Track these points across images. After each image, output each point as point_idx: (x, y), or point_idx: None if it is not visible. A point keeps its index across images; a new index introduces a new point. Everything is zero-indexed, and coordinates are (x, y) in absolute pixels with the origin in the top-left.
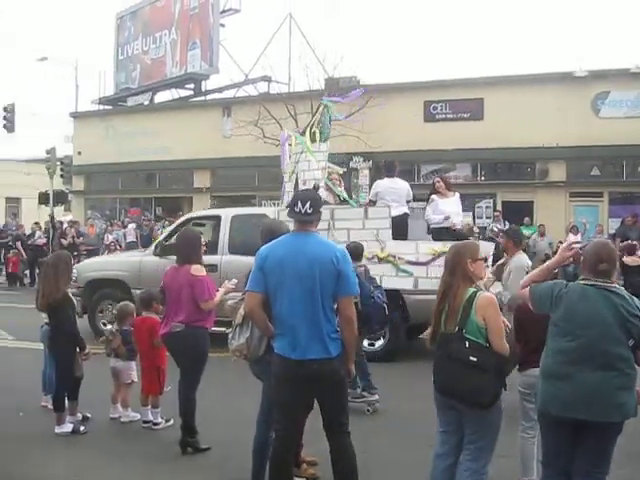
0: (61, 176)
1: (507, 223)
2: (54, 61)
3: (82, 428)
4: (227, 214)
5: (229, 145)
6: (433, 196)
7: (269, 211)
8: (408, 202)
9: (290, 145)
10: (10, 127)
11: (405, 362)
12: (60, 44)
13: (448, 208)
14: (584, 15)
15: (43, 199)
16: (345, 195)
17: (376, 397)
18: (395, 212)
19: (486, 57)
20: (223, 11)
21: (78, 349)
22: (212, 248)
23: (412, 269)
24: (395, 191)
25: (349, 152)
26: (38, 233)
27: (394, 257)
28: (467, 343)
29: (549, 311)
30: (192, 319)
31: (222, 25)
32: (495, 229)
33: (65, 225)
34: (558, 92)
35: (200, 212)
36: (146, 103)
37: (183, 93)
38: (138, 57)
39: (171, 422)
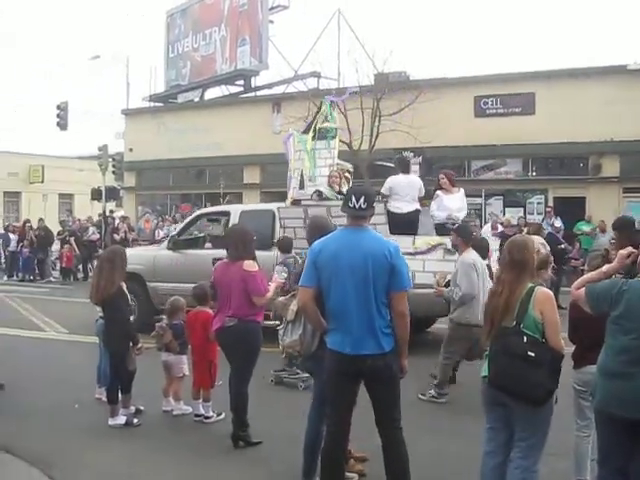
0: (113, 172)
1: (559, 219)
2: (106, 59)
3: (135, 420)
4: (236, 210)
5: (279, 141)
6: (438, 192)
7: (274, 207)
8: (420, 199)
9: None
10: (63, 125)
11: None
12: (112, 43)
13: (452, 204)
14: (638, 7)
15: (95, 195)
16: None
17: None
18: (408, 208)
19: (538, 51)
20: (272, 8)
21: (131, 343)
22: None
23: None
24: (408, 187)
25: (399, 147)
26: (92, 229)
27: None
28: (525, 338)
29: (608, 309)
30: (245, 314)
31: (271, 21)
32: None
33: (117, 221)
34: (611, 85)
35: (211, 208)
36: (196, 100)
37: (233, 89)
38: (188, 54)
39: (222, 416)
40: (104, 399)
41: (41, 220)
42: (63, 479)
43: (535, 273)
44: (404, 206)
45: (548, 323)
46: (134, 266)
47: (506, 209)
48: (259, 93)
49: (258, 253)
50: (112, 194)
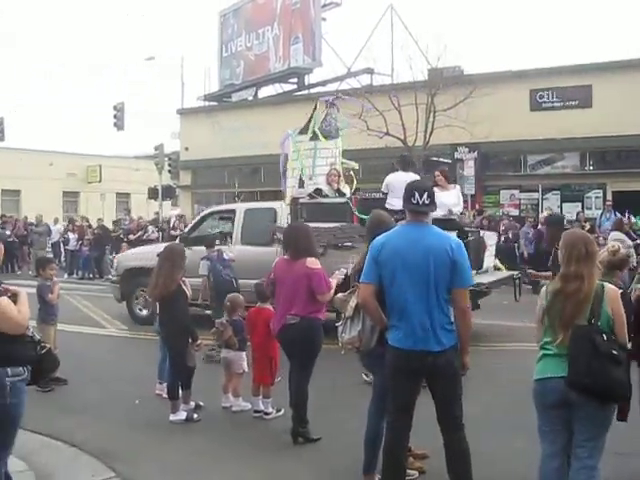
0: (169, 171)
1: (617, 214)
2: (161, 60)
3: (195, 416)
4: (241, 208)
5: None
6: (434, 189)
7: (277, 205)
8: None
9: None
10: (120, 125)
11: None
12: (167, 43)
13: (448, 200)
14: None
15: (152, 194)
16: (346, 192)
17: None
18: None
19: (594, 42)
20: (324, 5)
21: (190, 339)
22: (227, 238)
23: None
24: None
25: (454, 143)
26: (150, 228)
27: None
28: (604, 336)
29: None
30: (307, 311)
31: (324, 19)
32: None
33: (173, 219)
34: None
35: (220, 207)
36: (250, 98)
37: (286, 87)
38: (242, 53)
39: (282, 412)
40: (164, 395)
41: (99, 219)
42: (126, 472)
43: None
44: (398, 203)
45: (618, 320)
46: (151, 262)
47: (563, 204)
48: (312, 91)
49: (260, 249)
50: (168, 193)
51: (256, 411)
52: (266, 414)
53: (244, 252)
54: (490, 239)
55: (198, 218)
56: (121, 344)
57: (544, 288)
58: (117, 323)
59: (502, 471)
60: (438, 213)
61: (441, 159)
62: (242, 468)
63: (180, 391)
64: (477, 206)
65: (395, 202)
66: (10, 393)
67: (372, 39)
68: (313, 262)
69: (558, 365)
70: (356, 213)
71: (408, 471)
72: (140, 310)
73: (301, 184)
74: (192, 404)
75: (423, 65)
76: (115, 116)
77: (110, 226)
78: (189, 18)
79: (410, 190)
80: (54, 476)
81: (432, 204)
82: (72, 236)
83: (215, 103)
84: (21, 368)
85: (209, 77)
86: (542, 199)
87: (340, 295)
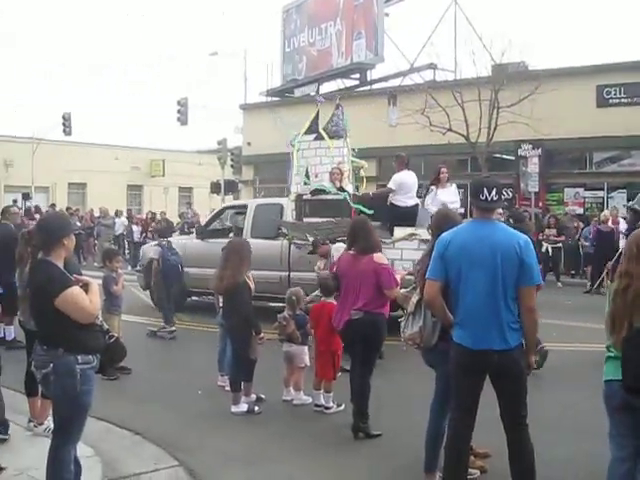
0: (231, 166)
1: None
2: (224, 55)
3: (257, 409)
4: (252, 204)
5: (395, 134)
6: (432, 187)
7: (283, 201)
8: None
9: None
10: (183, 120)
11: None
12: (230, 39)
13: (446, 197)
14: None
15: (215, 188)
16: (349, 189)
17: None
18: (412, 202)
19: None
20: (387, 0)
21: (254, 332)
22: (240, 232)
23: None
24: (412, 183)
25: (518, 140)
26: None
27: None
28: None
29: None
30: (372, 306)
31: (386, 14)
32: None
33: None
34: None
35: (234, 202)
36: (312, 94)
37: (349, 83)
38: (304, 49)
39: (342, 407)
40: (226, 387)
41: (162, 212)
42: (188, 462)
43: None
44: (408, 200)
45: None
46: None
47: (630, 203)
48: (375, 86)
49: (267, 242)
50: (230, 187)
51: (317, 405)
52: (327, 408)
53: (253, 245)
54: None
55: (215, 212)
56: (183, 335)
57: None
58: (179, 314)
59: (568, 473)
60: (433, 210)
61: (504, 156)
62: (302, 462)
63: (242, 383)
64: (540, 204)
65: (405, 199)
66: (80, 380)
67: (435, 34)
68: (380, 257)
69: (617, 368)
70: (355, 206)
71: (470, 470)
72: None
73: (306, 182)
74: (253, 396)
75: (487, 61)
76: (179, 111)
77: (176, 219)
78: (252, 14)
79: (479, 186)
80: (119, 462)
81: (500, 200)
82: (135, 229)
83: (277, 98)
84: (91, 356)
85: (272, 72)
86: (607, 197)
87: (403, 291)
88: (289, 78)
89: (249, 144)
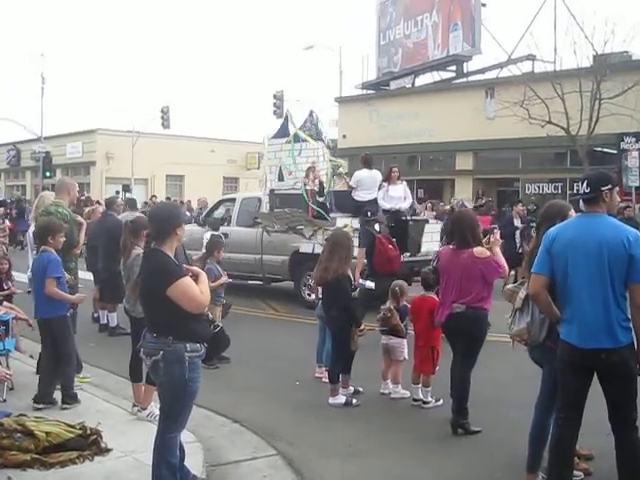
0: None
1: None
2: (320, 49)
3: (354, 401)
4: (239, 197)
5: (492, 127)
6: (384, 183)
7: (261, 195)
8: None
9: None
10: (280, 113)
11: None
12: (326, 32)
13: (394, 194)
14: None
15: None
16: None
17: None
18: (368, 197)
19: None
20: None
21: (354, 325)
22: (229, 221)
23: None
24: (370, 180)
25: (620, 132)
26: None
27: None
28: None
29: None
30: (473, 300)
31: (483, 5)
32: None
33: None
34: None
35: (227, 196)
36: (408, 86)
37: (444, 75)
38: (400, 41)
39: (440, 402)
40: (324, 379)
41: None
42: (287, 452)
43: None
44: (366, 195)
45: None
46: None
47: None
48: (471, 78)
49: (247, 229)
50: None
51: (415, 399)
52: (425, 403)
53: (237, 232)
54: (432, 227)
55: (214, 204)
56: (281, 326)
57: None
58: (275, 306)
59: None
60: (385, 205)
61: (605, 149)
62: (399, 457)
63: (340, 375)
64: None
65: (363, 195)
66: (188, 368)
67: (534, 24)
68: (480, 252)
69: None
70: (309, 204)
71: (574, 472)
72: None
73: (281, 178)
74: (351, 389)
75: (588, 51)
76: (275, 104)
77: None
78: (347, 7)
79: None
80: (219, 449)
81: (593, 191)
82: None
83: (373, 91)
84: (199, 345)
85: (367, 65)
86: None
87: (510, 286)
88: (384, 71)
89: (344, 137)
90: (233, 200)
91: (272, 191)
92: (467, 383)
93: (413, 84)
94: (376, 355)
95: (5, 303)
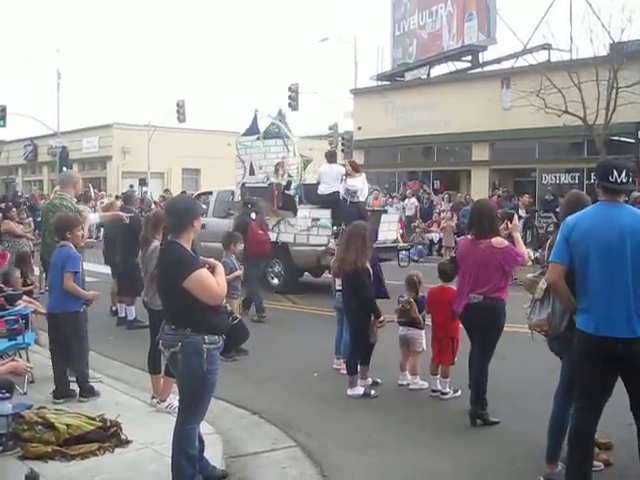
0: (342, 151)
1: None
2: (334, 41)
3: (372, 392)
4: (215, 190)
5: (508, 117)
6: (343, 176)
7: (234, 188)
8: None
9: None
10: (295, 106)
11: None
12: (340, 24)
13: (352, 184)
14: None
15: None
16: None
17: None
18: (328, 190)
19: None
20: None
21: (373, 316)
22: (206, 213)
23: (292, 229)
24: (331, 174)
25: (638, 121)
26: None
27: (285, 221)
28: None
29: None
30: (490, 291)
31: None
32: None
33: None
34: None
35: (206, 189)
36: (423, 77)
37: (460, 65)
38: (414, 32)
39: (459, 393)
40: (342, 370)
41: None
42: (306, 443)
43: None
44: (326, 189)
45: None
46: None
47: None
48: (487, 68)
49: (220, 220)
50: None
51: (433, 390)
52: (443, 394)
53: (213, 222)
54: (390, 217)
55: (194, 196)
56: (298, 318)
57: None
58: (292, 297)
59: None
60: (347, 197)
61: (623, 138)
62: (419, 447)
63: (358, 366)
64: None
65: (324, 188)
66: (206, 360)
67: (549, 13)
68: (499, 242)
69: None
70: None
71: (594, 462)
72: None
73: (252, 172)
74: (369, 380)
75: (605, 39)
76: (290, 97)
77: None
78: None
79: (608, 168)
80: (237, 441)
81: (629, 183)
82: None
83: (388, 82)
84: (217, 337)
85: (382, 56)
86: None
87: (529, 275)
88: (399, 62)
89: (360, 128)
90: (210, 193)
91: (243, 184)
92: (485, 374)
93: (428, 75)
94: (394, 346)
95: (25, 297)
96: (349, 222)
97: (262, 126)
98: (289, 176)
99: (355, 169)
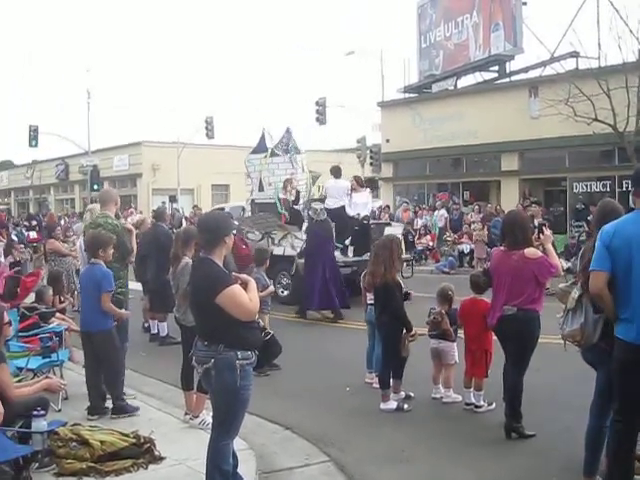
0: (370, 164)
1: None
2: (361, 54)
3: (405, 406)
4: (228, 206)
5: (537, 126)
6: (348, 191)
7: (244, 204)
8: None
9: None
10: (322, 120)
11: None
12: (366, 38)
13: (358, 200)
14: None
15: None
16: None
17: None
18: (335, 205)
19: None
20: None
21: (405, 330)
22: None
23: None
24: (337, 189)
25: None
26: None
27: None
28: None
29: None
30: (524, 302)
31: (524, 3)
32: None
33: (375, 211)
34: None
35: (217, 205)
36: (450, 88)
37: (487, 76)
38: (441, 43)
39: (493, 406)
40: (374, 384)
41: None
42: (339, 458)
43: None
44: (334, 203)
45: None
46: None
47: None
48: (514, 78)
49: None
50: (370, 185)
51: (467, 404)
52: (477, 407)
53: None
54: (394, 230)
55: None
56: (330, 332)
57: None
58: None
59: None
60: (350, 211)
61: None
62: (453, 462)
63: (391, 380)
64: None
65: (330, 203)
66: (240, 375)
67: (576, 20)
68: (532, 253)
69: None
70: (280, 210)
71: (634, 476)
72: None
73: (261, 188)
74: (402, 394)
75: (634, 45)
76: (317, 111)
77: None
78: (387, 11)
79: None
80: (271, 456)
81: None
82: None
83: (415, 94)
84: (250, 352)
85: (408, 69)
86: None
87: (562, 285)
88: (426, 74)
89: (388, 141)
90: (222, 209)
91: (252, 200)
92: (520, 386)
93: (455, 86)
94: (426, 359)
95: (58, 314)
96: (314, 241)
97: (270, 144)
98: (297, 192)
99: (360, 184)
